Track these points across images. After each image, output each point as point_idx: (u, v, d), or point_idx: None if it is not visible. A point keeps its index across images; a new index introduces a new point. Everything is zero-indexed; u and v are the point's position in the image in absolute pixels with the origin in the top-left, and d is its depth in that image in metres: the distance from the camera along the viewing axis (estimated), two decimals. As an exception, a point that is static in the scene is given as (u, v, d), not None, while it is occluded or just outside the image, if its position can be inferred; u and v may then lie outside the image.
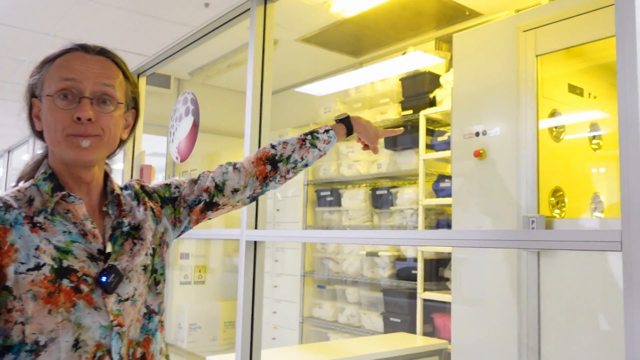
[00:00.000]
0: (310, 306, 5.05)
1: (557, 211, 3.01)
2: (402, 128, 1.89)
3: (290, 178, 1.50)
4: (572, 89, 3.19)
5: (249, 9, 2.82)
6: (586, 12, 2.60)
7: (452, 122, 3.16)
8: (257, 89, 2.69)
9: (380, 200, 4.50)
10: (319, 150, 1.51)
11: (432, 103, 4.10)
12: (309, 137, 1.50)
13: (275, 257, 5.31)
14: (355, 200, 4.68)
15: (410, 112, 4.20)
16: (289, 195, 5.24)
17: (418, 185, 3.97)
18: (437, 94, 4.06)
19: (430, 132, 4.16)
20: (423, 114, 3.97)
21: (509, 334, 2.74)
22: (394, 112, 4.42)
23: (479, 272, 2.98)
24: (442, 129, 4.20)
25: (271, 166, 1.43)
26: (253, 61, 2.68)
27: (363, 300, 4.58)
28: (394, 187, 4.41)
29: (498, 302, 2.87)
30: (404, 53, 4.20)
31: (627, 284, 1.23)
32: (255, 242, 2.52)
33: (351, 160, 4.76)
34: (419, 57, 3.98)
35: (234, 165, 1.42)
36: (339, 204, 4.89)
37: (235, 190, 1.39)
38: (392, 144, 4.29)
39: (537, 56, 2.77)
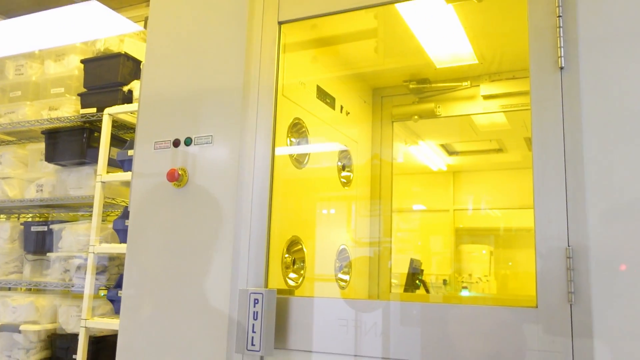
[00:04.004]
0: None
1: (294, 275, 1.94)
2: None
3: None
4: (322, 95, 2.22)
5: None
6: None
7: (138, 120, 1.87)
8: None
9: (38, 240, 2.91)
10: None
11: (128, 99, 2.75)
12: None
13: None
14: (-3, 238, 2.98)
15: (94, 110, 2.78)
16: None
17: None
18: (136, 86, 2.74)
19: (122, 143, 2.79)
20: (108, 113, 2.59)
21: None
22: (70, 109, 2.93)
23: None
24: (140, 140, 2.87)
25: None
26: None
27: (-7, 401, 2.86)
28: (61, 221, 2.88)
29: None
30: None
31: None
32: None
33: (-4, 175, 3.06)
34: (105, 17, 2.61)
35: None
36: (-30, 243, 3.10)
37: None
38: (59, 155, 2.78)
39: (280, 24, 1.69)
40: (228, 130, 1.69)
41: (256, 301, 1.49)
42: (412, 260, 2.80)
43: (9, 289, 3.01)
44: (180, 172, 1.71)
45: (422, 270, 2.86)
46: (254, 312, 1.48)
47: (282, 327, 1.50)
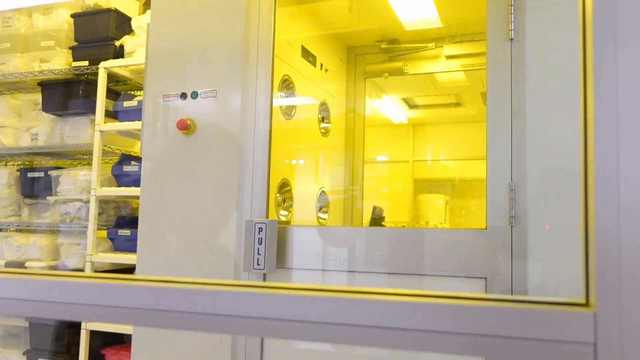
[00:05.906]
0: None
1: (284, 212, 2.26)
2: None
3: None
4: (305, 53, 2.49)
5: None
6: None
7: (146, 76, 2.10)
8: None
9: (35, 186, 3.12)
10: None
11: (119, 54, 2.94)
12: None
13: None
14: (-7, 184, 3.17)
15: (86, 63, 2.95)
16: None
17: (92, 167, 2.78)
18: (127, 42, 2.92)
19: (113, 95, 2.99)
20: (104, 67, 2.78)
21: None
22: (61, 61, 3.08)
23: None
24: (132, 92, 3.08)
25: None
26: None
27: (-2, 331, 3.13)
28: (57, 168, 3.09)
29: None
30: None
31: None
32: None
33: (-10, 124, 3.21)
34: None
35: None
36: (-34, 188, 3.28)
37: None
38: (55, 105, 2.96)
39: (276, -8, 1.94)
40: (230, 85, 1.95)
41: (260, 229, 1.80)
42: (374, 207, 3.13)
43: (12, 230, 3.22)
44: (188, 122, 1.97)
45: (384, 217, 3.17)
46: (259, 238, 1.80)
47: (281, 250, 1.83)
